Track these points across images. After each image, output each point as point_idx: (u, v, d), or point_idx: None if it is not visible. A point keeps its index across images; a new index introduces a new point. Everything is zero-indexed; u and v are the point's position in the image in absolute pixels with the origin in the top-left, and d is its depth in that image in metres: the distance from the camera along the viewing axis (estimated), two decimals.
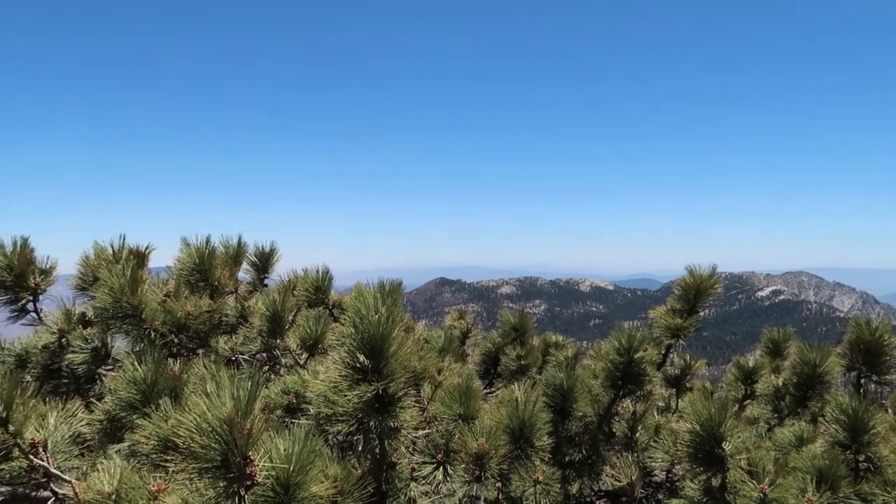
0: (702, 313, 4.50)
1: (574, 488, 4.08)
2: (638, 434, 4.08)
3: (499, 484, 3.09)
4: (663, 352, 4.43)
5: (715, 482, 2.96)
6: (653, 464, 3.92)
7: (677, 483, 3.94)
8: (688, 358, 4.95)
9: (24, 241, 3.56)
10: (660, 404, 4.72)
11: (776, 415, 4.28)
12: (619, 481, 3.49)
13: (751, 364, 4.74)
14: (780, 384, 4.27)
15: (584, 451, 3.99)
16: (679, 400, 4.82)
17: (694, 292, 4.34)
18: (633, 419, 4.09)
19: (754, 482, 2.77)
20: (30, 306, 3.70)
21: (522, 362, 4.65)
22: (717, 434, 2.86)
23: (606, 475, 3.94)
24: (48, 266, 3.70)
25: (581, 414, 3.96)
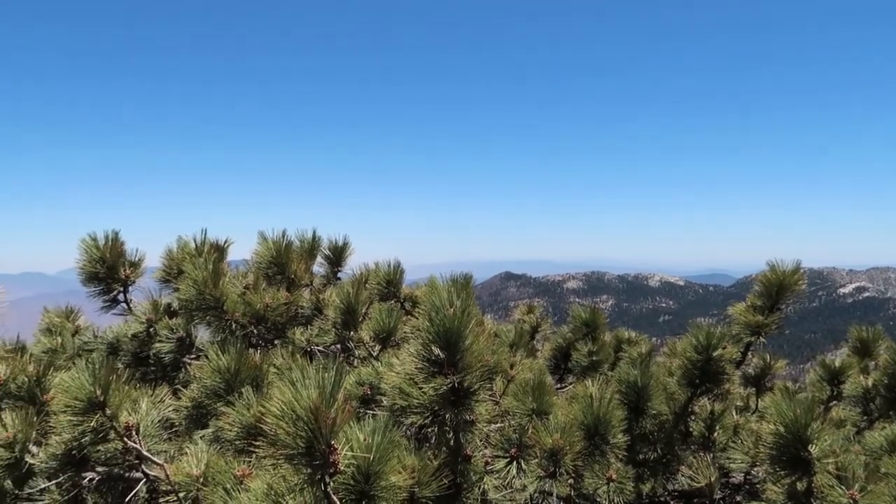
0: (784, 310, 4.32)
1: (647, 487, 4.00)
2: (716, 434, 3.96)
3: (571, 480, 3.06)
4: (742, 350, 4.28)
5: (800, 486, 2.84)
6: (731, 465, 3.80)
7: (757, 485, 3.81)
8: (767, 357, 4.77)
9: (115, 235, 3.75)
10: (738, 404, 4.57)
11: (865, 417, 4.07)
12: (697, 482, 3.40)
13: (837, 364, 4.52)
14: (870, 385, 4.06)
15: (658, 450, 3.91)
16: (759, 400, 4.64)
17: (776, 288, 4.17)
18: (710, 418, 3.97)
19: (843, 488, 2.64)
20: (120, 297, 3.90)
21: (594, 358, 4.58)
22: (802, 436, 2.74)
23: (682, 475, 3.85)
24: (137, 258, 3.89)
25: (656, 412, 3.87)
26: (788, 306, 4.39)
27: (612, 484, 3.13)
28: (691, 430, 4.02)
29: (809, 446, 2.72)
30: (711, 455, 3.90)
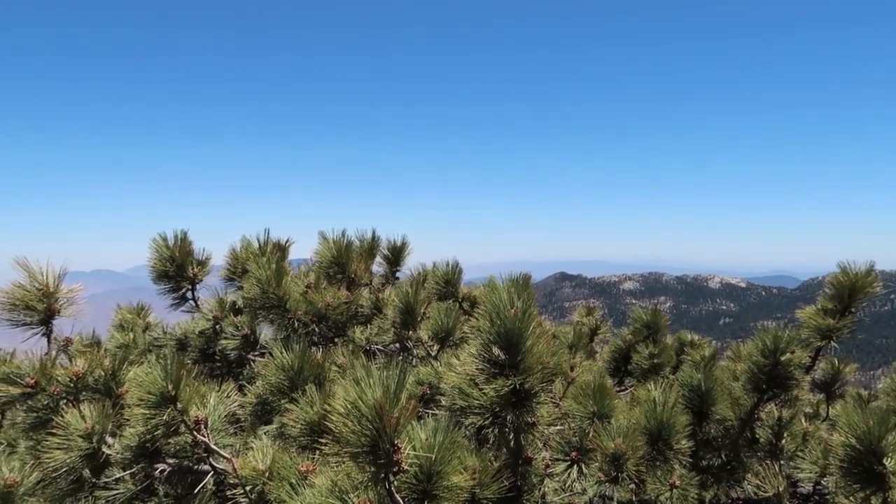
0: (856, 314, 4.14)
1: (709, 494, 3.90)
2: (783, 441, 3.83)
3: (632, 486, 3.00)
4: (812, 354, 4.12)
5: (875, 501, 2.71)
6: (799, 474, 3.66)
7: (827, 497, 3.66)
8: (836, 362, 4.57)
9: (184, 235, 3.89)
10: (808, 410, 4.40)
11: None
12: (765, 491, 3.29)
13: None
14: None
15: (723, 457, 3.80)
16: (829, 407, 4.46)
17: (848, 291, 3.99)
18: (778, 425, 3.84)
19: None
20: (188, 294, 4.03)
21: (655, 361, 4.49)
22: (876, 449, 2.61)
23: (748, 483, 3.73)
24: (204, 257, 4.01)
25: (720, 417, 3.77)
26: (860, 310, 4.21)
27: (675, 490, 3.06)
28: (758, 436, 3.89)
29: (884, 460, 2.59)
30: (779, 463, 3.77)
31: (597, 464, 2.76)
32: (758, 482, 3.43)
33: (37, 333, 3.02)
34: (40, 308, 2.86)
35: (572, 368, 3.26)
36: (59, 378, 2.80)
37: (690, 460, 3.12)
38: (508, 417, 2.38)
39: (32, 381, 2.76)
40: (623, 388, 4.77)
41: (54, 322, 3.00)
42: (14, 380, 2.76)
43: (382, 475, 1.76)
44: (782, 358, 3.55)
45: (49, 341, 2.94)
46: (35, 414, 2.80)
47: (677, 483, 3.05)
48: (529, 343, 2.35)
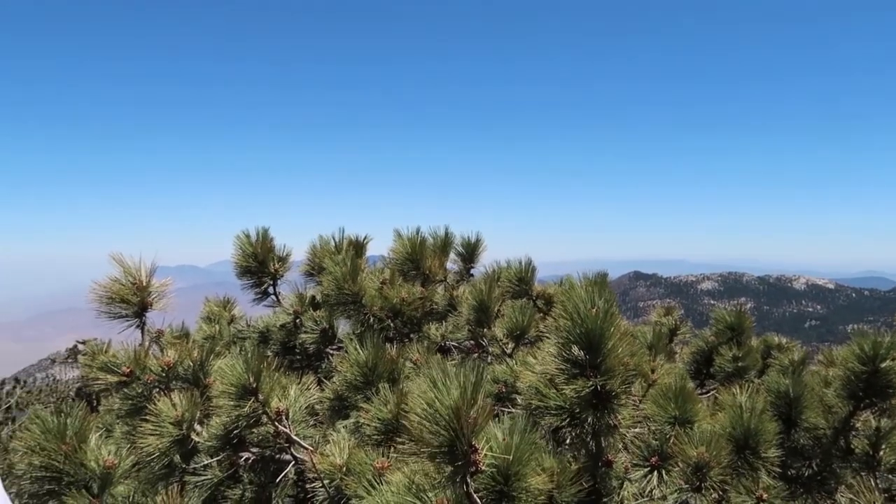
0: None
1: None
2: (881, 453, 3.59)
3: (715, 495, 2.89)
4: None
5: None
6: None
7: None
8: None
9: (265, 231, 4.01)
10: None
11: None
12: None
13: None
14: None
15: (814, 467, 3.60)
16: None
17: None
18: (875, 435, 3.61)
19: None
20: (270, 290, 4.16)
21: (739, 364, 4.30)
22: None
23: (842, 495, 3.53)
24: (284, 254, 4.12)
25: (810, 425, 3.58)
26: None
27: (762, 503, 2.93)
28: (853, 446, 3.67)
29: None
30: (875, 476, 3.55)
31: (677, 470, 2.67)
32: (851, 495, 3.24)
33: (131, 325, 3.17)
34: (134, 301, 3.00)
35: (653, 370, 3.17)
36: (152, 368, 2.94)
37: (779, 470, 2.97)
38: (588, 419, 2.33)
39: (128, 371, 2.90)
40: (705, 391, 4.60)
41: (147, 314, 3.14)
42: (111, 369, 2.92)
43: (460, 475, 1.75)
44: (882, 365, 3.34)
45: (143, 333, 3.09)
46: (130, 401, 2.95)
47: (764, 496, 2.91)
48: (611, 344, 2.29)
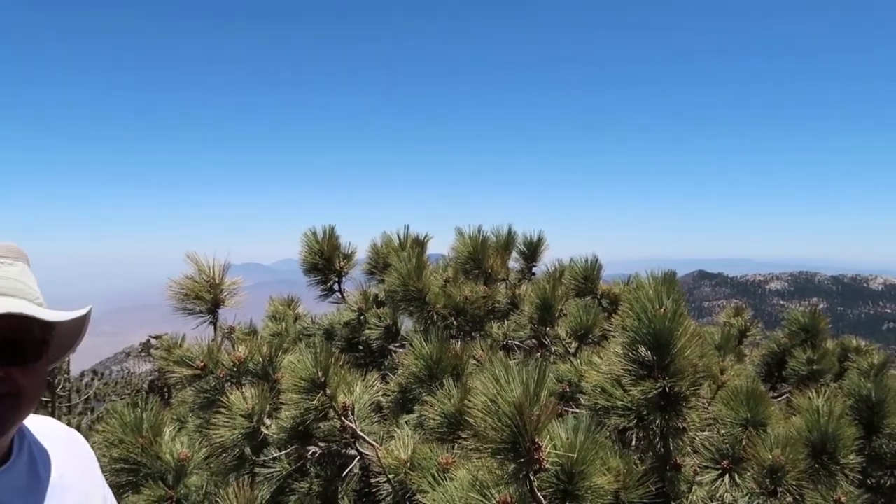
0: None
1: None
2: None
3: (789, 499, 2.79)
4: None
5: None
6: None
7: None
8: None
9: (332, 230, 4.08)
10: None
11: None
12: None
13: None
14: None
15: None
16: None
17: None
18: None
19: None
20: (335, 287, 4.24)
21: (814, 367, 4.14)
22: None
23: None
24: (350, 251, 4.20)
25: (892, 431, 3.41)
26: None
27: None
28: None
29: None
30: None
31: (750, 474, 2.59)
32: None
33: (203, 321, 3.29)
34: (208, 298, 3.12)
35: (723, 371, 3.08)
36: (224, 362, 3.04)
37: (859, 477, 2.84)
38: (656, 421, 2.29)
39: (202, 365, 3.02)
40: (777, 395, 4.45)
41: (219, 311, 3.26)
42: (186, 363, 3.04)
43: (523, 473, 1.75)
44: None
45: (215, 329, 3.20)
46: (203, 394, 3.06)
47: (843, 500, 2.79)
48: (680, 345, 2.24)
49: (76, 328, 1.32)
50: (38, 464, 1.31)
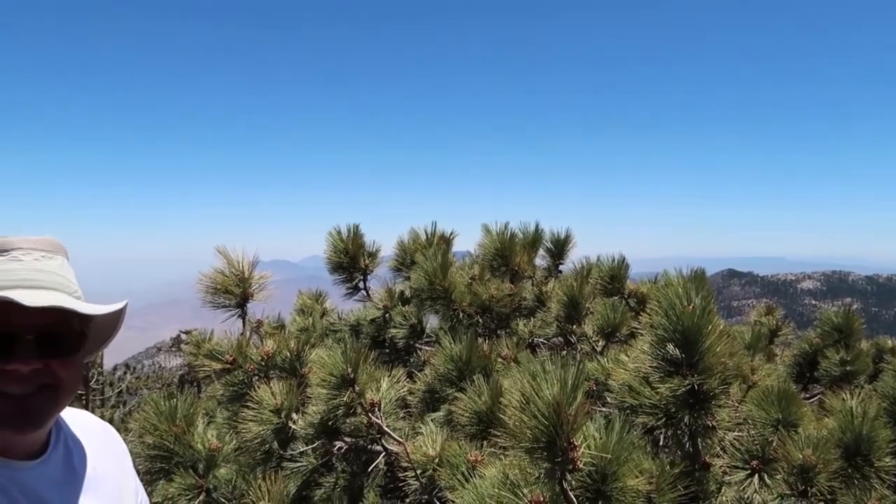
0: None
1: None
2: None
3: (820, 501, 2.74)
4: None
5: None
6: None
7: None
8: None
9: (356, 228, 4.10)
10: None
11: None
12: None
13: None
14: None
15: None
16: None
17: None
18: None
19: None
20: (360, 285, 4.26)
21: (848, 368, 4.06)
22: None
23: None
24: (374, 249, 4.21)
25: None
26: None
27: None
28: None
29: None
30: None
31: (781, 475, 2.55)
32: None
33: (232, 315, 3.32)
34: (237, 292, 3.16)
35: (753, 371, 3.04)
36: (253, 357, 3.08)
37: (895, 480, 2.78)
38: (685, 419, 2.26)
39: (231, 359, 3.06)
40: (809, 395, 4.37)
41: (248, 305, 3.29)
42: (216, 356, 3.08)
43: (557, 472, 1.74)
44: None
45: (244, 323, 3.24)
46: (232, 388, 3.10)
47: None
48: (709, 342, 2.22)
49: (112, 321, 1.35)
50: (73, 456, 1.33)
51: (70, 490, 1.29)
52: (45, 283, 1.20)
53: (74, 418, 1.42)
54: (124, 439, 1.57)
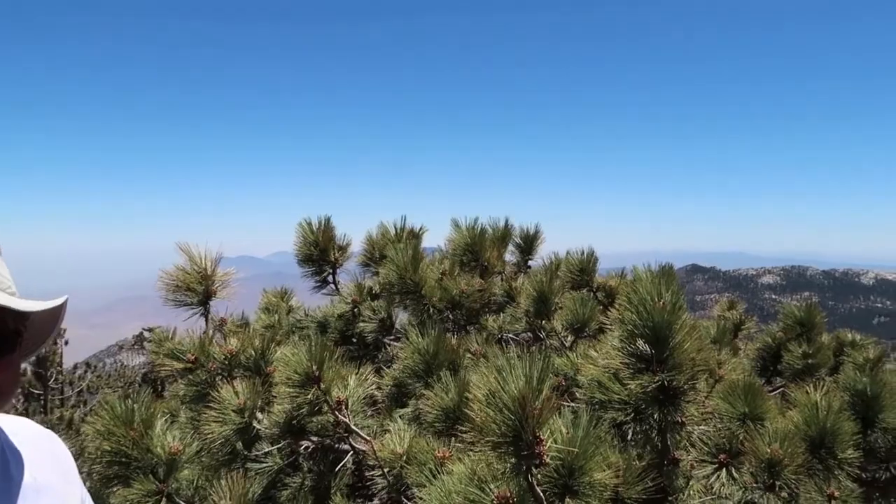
0: None
1: None
2: None
3: (784, 494, 2.77)
4: None
5: None
6: None
7: None
8: None
9: (328, 220, 4.03)
10: None
11: None
12: None
13: None
14: None
15: (892, 470, 3.42)
16: None
17: None
18: None
19: None
20: (329, 278, 4.19)
21: (810, 361, 4.13)
22: None
23: None
24: (345, 243, 4.15)
25: (888, 426, 3.40)
26: None
27: (833, 502, 2.79)
28: None
29: None
30: None
31: (747, 468, 2.57)
32: None
33: (195, 313, 3.23)
34: (199, 290, 3.07)
35: (720, 365, 3.06)
36: (216, 355, 2.99)
37: (856, 472, 2.83)
38: (654, 415, 2.26)
39: (193, 358, 2.97)
40: (771, 388, 4.44)
41: (211, 303, 3.20)
42: (177, 356, 2.99)
43: (524, 467, 1.72)
44: None
45: (207, 321, 3.15)
46: (194, 387, 3.01)
47: (836, 494, 2.78)
48: (679, 338, 2.22)
49: (52, 318, 1.24)
50: (10, 464, 1.23)
51: (6, 500, 1.19)
52: None
53: (13, 426, 1.31)
54: (78, 443, 1.49)
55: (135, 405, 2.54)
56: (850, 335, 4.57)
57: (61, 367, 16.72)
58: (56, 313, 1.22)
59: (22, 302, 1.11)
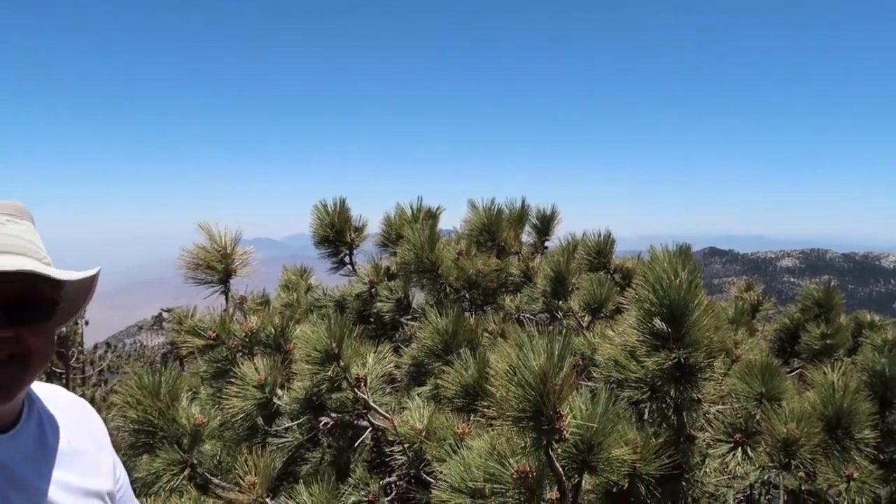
0: None
1: (884, 491, 3.53)
2: None
3: (801, 473, 2.78)
4: None
5: None
6: None
7: None
8: None
9: (343, 202, 4.06)
10: None
11: None
12: None
13: None
14: None
15: None
16: None
17: None
18: None
19: None
20: (346, 259, 4.22)
21: (828, 342, 4.11)
22: None
23: None
24: (361, 224, 4.17)
25: None
26: None
27: (852, 483, 2.80)
28: None
29: None
30: None
31: (764, 448, 2.58)
32: None
33: (215, 291, 3.28)
34: (219, 268, 3.11)
35: (737, 345, 3.06)
36: (236, 333, 3.04)
37: (873, 452, 2.83)
38: (670, 392, 2.28)
39: (214, 335, 3.02)
40: (789, 369, 4.43)
41: (230, 281, 3.25)
42: (199, 332, 3.04)
43: (544, 442, 1.74)
44: None
45: (227, 299, 3.20)
46: (216, 364, 3.07)
47: (855, 475, 2.78)
48: (695, 316, 2.22)
49: (85, 289, 1.28)
50: (46, 430, 1.28)
51: (43, 465, 1.24)
52: (12, 247, 1.13)
53: (48, 393, 1.36)
54: (106, 416, 1.53)
55: (161, 377, 2.59)
56: (868, 316, 4.55)
57: (82, 346, 17.01)
58: (88, 284, 1.26)
59: (58, 272, 1.15)
